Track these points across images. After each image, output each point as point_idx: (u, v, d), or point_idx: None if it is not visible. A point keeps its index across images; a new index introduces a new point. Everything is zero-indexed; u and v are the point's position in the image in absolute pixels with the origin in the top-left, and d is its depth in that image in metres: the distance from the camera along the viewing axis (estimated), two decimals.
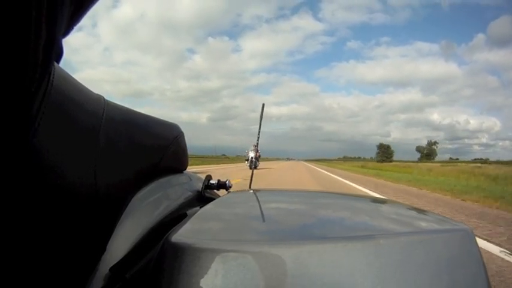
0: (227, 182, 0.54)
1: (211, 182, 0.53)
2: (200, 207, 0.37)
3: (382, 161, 70.88)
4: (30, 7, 0.15)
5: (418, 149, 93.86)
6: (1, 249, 0.21)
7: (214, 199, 0.46)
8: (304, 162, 48.20)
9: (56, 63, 0.25)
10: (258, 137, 0.82)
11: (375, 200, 0.56)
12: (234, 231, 0.30)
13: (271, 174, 10.03)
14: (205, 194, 0.50)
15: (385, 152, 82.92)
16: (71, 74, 0.29)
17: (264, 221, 0.33)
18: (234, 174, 8.59)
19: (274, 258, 0.22)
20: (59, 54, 0.24)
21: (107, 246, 0.30)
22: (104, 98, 0.35)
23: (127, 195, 0.35)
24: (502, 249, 2.02)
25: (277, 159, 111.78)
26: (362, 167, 25.29)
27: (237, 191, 0.53)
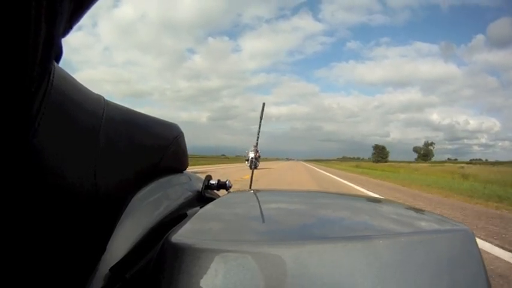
0: (227, 182, 0.54)
1: (211, 182, 0.53)
2: (200, 208, 0.37)
3: (378, 161, 71.63)
4: (30, 5, 0.15)
5: (415, 149, 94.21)
6: (1, 249, 0.21)
7: (214, 199, 0.46)
8: (303, 163, 48.68)
9: (55, 63, 0.25)
10: (258, 137, 0.82)
11: (375, 200, 0.56)
12: (234, 232, 0.30)
13: (271, 174, 10.18)
14: (205, 194, 0.50)
15: (380, 153, 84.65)
16: (71, 74, 0.29)
17: (264, 221, 0.33)
18: (234, 174, 8.62)
19: (274, 258, 0.22)
20: (58, 53, 0.24)
21: (107, 246, 0.30)
22: (103, 98, 0.35)
23: (127, 195, 0.35)
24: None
25: (277, 159, 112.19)
26: (356, 166, 26.39)
27: (237, 191, 0.53)
